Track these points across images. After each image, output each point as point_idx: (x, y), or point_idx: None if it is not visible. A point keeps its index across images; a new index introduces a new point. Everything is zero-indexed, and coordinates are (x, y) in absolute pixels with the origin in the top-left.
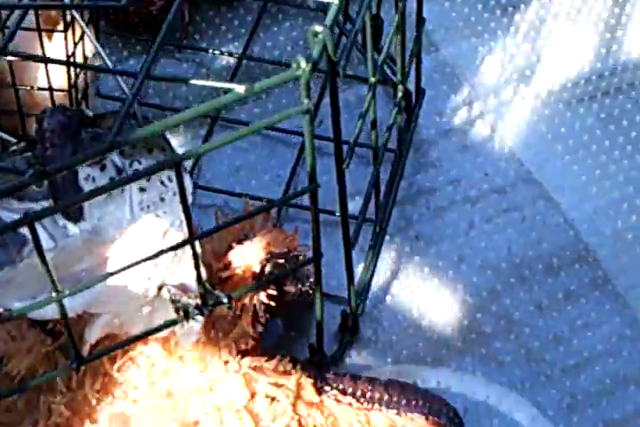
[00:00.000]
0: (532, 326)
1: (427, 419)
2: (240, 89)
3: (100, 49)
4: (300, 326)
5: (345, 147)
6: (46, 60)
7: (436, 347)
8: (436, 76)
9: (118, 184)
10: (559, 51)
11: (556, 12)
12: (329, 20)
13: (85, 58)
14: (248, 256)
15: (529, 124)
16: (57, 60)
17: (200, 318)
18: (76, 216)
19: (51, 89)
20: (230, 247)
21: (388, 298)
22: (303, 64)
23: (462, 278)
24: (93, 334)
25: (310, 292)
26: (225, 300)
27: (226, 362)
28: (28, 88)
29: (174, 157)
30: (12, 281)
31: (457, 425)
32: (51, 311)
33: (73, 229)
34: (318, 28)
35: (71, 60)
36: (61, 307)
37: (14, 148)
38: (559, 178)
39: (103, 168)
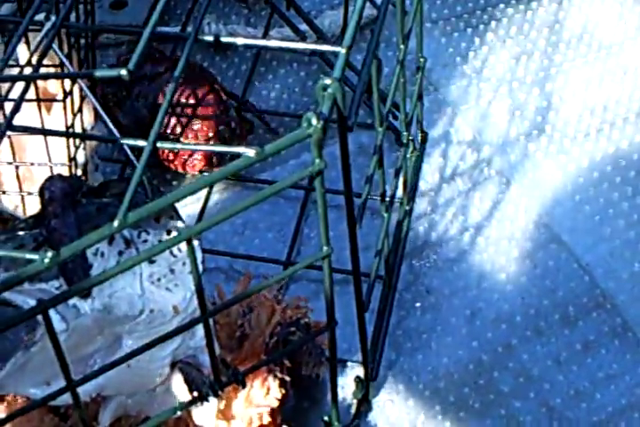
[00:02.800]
0: (552, 382)
1: None
2: (250, 153)
3: (103, 113)
4: (312, 395)
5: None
6: (48, 132)
7: (455, 410)
8: (436, 117)
9: (131, 264)
10: (562, 83)
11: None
12: (337, 71)
13: (84, 130)
14: (258, 327)
15: (535, 163)
16: (57, 131)
17: (214, 399)
18: (85, 292)
19: (50, 164)
20: (240, 319)
21: (402, 359)
22: (314, 121)
23: (477, 334)
24: (107, 417)
25: (322, 360)
26: (239, 377)
27: None
28: (28, 164)
29: (187, 232)
30: (25, 366)
31: None
32: (64, 396)
33: (83, 307)
34: (327, 81)
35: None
36: (75, 396)
37: (21, 225)
38: (571, 219)
39: (111, 241)
